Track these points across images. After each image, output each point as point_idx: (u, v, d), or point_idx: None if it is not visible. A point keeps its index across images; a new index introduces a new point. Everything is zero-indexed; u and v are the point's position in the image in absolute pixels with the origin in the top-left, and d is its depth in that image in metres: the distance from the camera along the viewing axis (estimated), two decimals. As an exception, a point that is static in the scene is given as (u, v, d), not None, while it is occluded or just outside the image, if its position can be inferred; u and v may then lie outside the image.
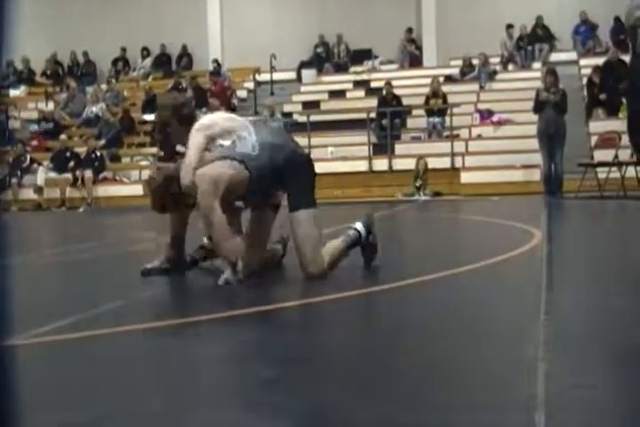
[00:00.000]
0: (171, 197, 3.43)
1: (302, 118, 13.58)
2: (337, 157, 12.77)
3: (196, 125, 3.45)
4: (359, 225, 3.56)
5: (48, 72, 18.33)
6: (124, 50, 18.23)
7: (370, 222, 3.60)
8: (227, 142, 3.35)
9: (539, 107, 10.28)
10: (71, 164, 13.34)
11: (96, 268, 4.55)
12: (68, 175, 13.23)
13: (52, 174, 13.37)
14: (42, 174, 13.43)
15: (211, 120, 3.51)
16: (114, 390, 1.81)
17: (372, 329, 2.48)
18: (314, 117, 13.43)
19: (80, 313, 2.77)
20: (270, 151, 3.33)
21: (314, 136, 12.92)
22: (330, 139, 13.25)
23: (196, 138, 3.39)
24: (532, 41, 15.77)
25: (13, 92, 17.91)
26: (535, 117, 10.50)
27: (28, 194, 13.44)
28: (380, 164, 12.49)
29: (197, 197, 3.17)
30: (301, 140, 13.09)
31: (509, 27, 15.72)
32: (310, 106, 14.75)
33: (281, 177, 3.36)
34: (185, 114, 3.68)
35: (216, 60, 16.95)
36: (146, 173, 13.52)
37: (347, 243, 3.46)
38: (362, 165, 12.51)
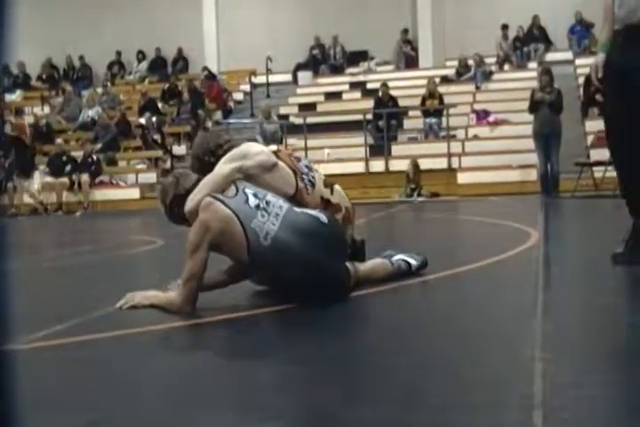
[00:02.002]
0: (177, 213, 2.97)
1: (299, 120, 13.59)
2: (333, 158, 12.78)
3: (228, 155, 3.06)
4: (414, 263, 3.31)
5: (44, 76, 18.32)
6: (119, 53, 18.23)
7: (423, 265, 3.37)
8: (253, 202, 2.80)
9: (534, 107, 10.30)
10: (68, 168, 13.33)
11: (93, 272, 4.54)
12: (65, 179, 13.22)
13: (49, 179, 13.36)
14: (38, 179, 13.42)
15: (248, 148, 3.10)
16: (112, 394, 1.81)
17: (370, 329, 2.48)
18: (310, 119, 13.44)
19: (77, 317, 2.77)
20: (282, 260, 2.71)
21: (310, 138, 12.93)
22: (326, 140, 13.26)
23: (224, 168, 2.98)
24: (528, 41, 15.80)
25: (9, 97, 17.90)
26: (530, 117, 10.52)
27: (25, 198, 13.42)
28: (377, 165, 12.50)
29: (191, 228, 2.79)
30: (298, 143, 13.17)
31: (505, 27, 15.76)
32: (306, 108, 14.76)
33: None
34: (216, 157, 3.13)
35: (206, 68, 16.79)
36: (145, 177, 13.54)
37: (393, 272, 3.22)
38: (358, 167, 12.52)
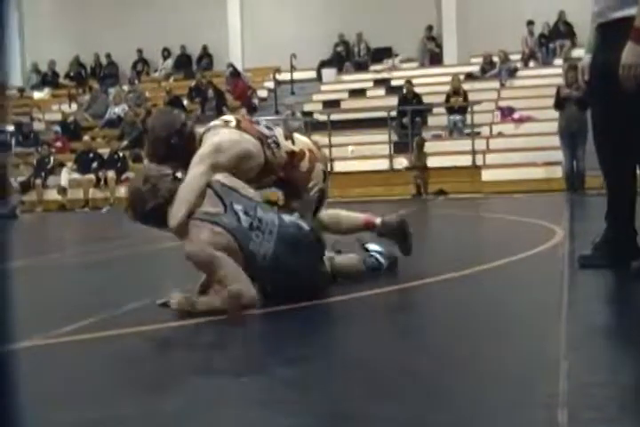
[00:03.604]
0: (148, 209, 2.78)
1: (323, 117, 13.59)
2: (357, 155, 12.77)
3: (201, 151, 2.90)
4: (383, 260, 3.37)
5: (71, 74, 18.50)
6: (140, 51, 18.34)
7: (393, 263, 3.43)
8: (245, 221, 2.72)
9: (560, 103, 10.22)
10: (94, 164, 13.46)
11: (118, 268, 4.59)
12: (92, 176, 13.34)
13: (76, 175, 13.50)
14: (65, 175, 13.56)
15: (220, 142, 2.92)
16: (134, 389, 1.84)
17: (392, 328, 2.49)
18: (334, 116, 13.44)
19: (102, 313, 2.80)
20: (284, 277, 2.75)
21: (334, 135, 12.93)
22: (350, 138, 13.24)
23: (196, 169, 2.82)
24: (554, 37, 15.66)
25: (37, 95, 18.10)
26: (556, 114, 10.42)
27: (52, 195, 13.58)
28: (401, 162, 12.46)
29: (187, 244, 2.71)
30: (322, 140, 13.17)
31: (530, 23, 15.63)
32: (331, 105, 14.75)
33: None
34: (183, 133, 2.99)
35: (232, 64, 16.89)
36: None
37: (363, 268, 3.29)
38: (383, 164, 12.50)
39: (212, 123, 3.13)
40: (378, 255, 3.37)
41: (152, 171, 2.84)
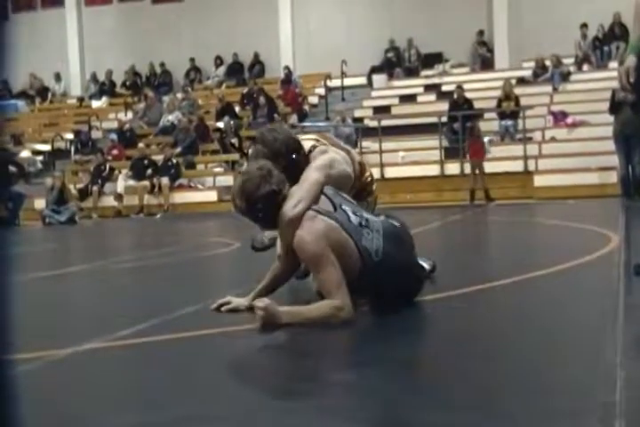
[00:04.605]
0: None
1: (373, 123, 13.60)
2: (408, 161, 12.75)
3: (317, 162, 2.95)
4: (427, 267, 3.40)
5: (127, 83, 18.90)
6: (192, 60, 18.64)
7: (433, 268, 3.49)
8: (355, 219, 2.74)
9: (615, 107, 10.05)
10: (149, 171, 13.70)
11: (173, 272, 4.68)
12: (146, 182, 13.59)
13: (131, 182, 13.77)
14: (121, 182, 13.84)
15: (330, 159, 3.00)
16: (191, 393, 1.87)
17: (446, 333, 2.50)
18: (385, 122, 13.44)
19: (158, 317, 2.86)
20: (393, 272, 2.74)
21: (385, 141, 12.94)
22: (401, 143, 13.23)
23: (315, 175, 2.85)
24: (609, 40, 15.39)
25: (96, 104, 18.54)
26: (611, 118, 10.25)
27: (109, 201, 13.88)
28: (452, 168, 12.41)
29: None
30: (372, 146, 13.19)
31: (583, 26, 15.39)
32: (381, 111, 14.76)
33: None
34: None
35: (287, 68, 17.17)
36: (222, 180, 13.80)
37: None
38: (433, 170, 12.45)
39: (308, 143, 3.11)
40: (421, 261, 3.36)
41: (267, 162, 2.79)
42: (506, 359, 2.08)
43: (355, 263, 2.66)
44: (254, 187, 2.66)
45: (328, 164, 2.97)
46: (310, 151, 3.05)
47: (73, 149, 16.20)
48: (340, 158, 3.12)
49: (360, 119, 14.49)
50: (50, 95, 19.70)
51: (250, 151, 3.09)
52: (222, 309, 2.89)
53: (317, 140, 3.15)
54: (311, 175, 2.83)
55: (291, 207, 2.67)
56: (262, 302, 2.55)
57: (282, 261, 2.91)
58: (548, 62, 14.84)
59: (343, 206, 2.77)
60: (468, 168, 12.24)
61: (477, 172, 11.34)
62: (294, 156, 2.95)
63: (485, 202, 11.06)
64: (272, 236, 3.66)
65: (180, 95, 17.06)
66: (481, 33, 16.46)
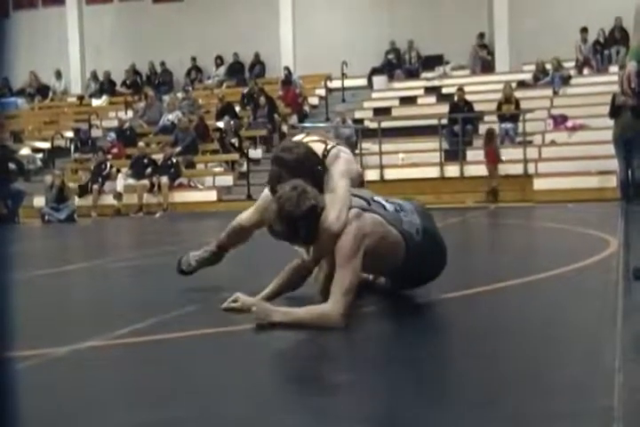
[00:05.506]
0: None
1: (373, 125, 13.61)
2: (408, 163, 12.76)
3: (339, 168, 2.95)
4: None
5: (128, 82, 18.90)
6: (194, 59, 18.65)
7: None
8: (390, 207, 2.89)
9: (615, 111, 10.06)
10: (148, 170, 13.70)
11: (172, 272, 4.67)
12: (146, 181, 13.59)
13: (131, 181, 13.76)
14: (121, 181, 13.84)
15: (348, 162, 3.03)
16: (190, 392, 1.88)
17: (447, 335, 2.51)
18: (385, 124, 13.44)
19: (157, 316, 2.87)
20: (435, 244, 2.98)
21: (385, 142, 12.94)
22: (401, 145, 13.24)
23: (343, 182, 2.87)
24: (610, 44, 15.41)
25: (96, 102, 18.54)
26: (611, 122, 10.26)
27: (108, 200, 13.87)
28: (452, 170, 12.42)
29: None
30: (372, 147, 13.19)
31: (584, 30, 15.41)
32: (381, 112, 14.77)
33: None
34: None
35: (287, 68, 17.17)
36: (222, 180, 13.81)
37: None
38: (433, 172, 12.46)
39: (318, 147, 3.06)
40: None
41: (297, 181, 2.76)
42: (505, 362, 2.08)
43: (400, 250, 2.81)
44: (294, 207, 2.65)
45: (347, 169, 2.96)
46: (325, 156, 3.00)
47: (73, 147, 16.19)
48: (351, 157, 3.13)
49: (360, 120, 14.49)
50: (50, 93, 19.69)
51: (270, 174, 3.00)
52: (230, 306, 2.85)
53: (325, 142, 3.10)
54: (340, 184, 2.84)
55: (334, 219, 2.67)
56: (256, 300, 2.63)
57: (305, 268, 2.91)
58: (548, 66, 14.86)
59: (375, 198, 2.90)
60: (467, 171, 12.26)
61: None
62: (317, 168, 2.92)
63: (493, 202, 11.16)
64: (199, 257, 3.70)
65: (180, 95, 17.06)
66: (481, 35, 16.47)
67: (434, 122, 12.95)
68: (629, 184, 9.97)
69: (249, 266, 4.24)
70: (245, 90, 16.46)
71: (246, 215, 3.52)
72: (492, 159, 11.72)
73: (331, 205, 2.71)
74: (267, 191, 3.27)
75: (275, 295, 2.88)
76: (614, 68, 14.75)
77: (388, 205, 2.88)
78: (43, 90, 19.63)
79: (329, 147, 3.06)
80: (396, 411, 1.66)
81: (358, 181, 3.18)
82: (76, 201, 13.45)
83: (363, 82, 16.87)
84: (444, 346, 2.34)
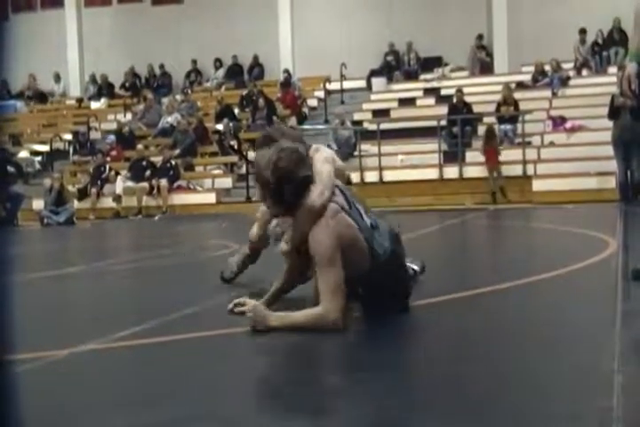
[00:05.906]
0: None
1: (372, 126, 13.62)
2: (407, 164, 12.76)
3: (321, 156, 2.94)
4: (416, 268, 3.42)
5: (126, 84, 18.90)
6: (194, 62, 18.67)
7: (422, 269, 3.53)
8: (367, 220, 2.79)
9: (614, 112, 10.07)
10: (147, 173, 13.69)
11: (170, 275, 4.68)
12: (145, 184, 13.58)
13: (130, 183, 13.76)
14: (120, 183, 13.83)
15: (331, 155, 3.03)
16: (189, 394, 1.88)
17: (445, 337, 2.51)
18: (384, 125, 13.45)
19: (157, 318, 2.87)
20: (397, 268, 2.84)
21: (384, 144, 12.94)
22: (400, 147, 13.25)
23: (327, 166, 2.85)
24: (609, 45, 15.43)
25: (94, 105, 18.54)
26: (610, 123, 10.27)
27: (107, 202, 13.87)
28: (451, 171, 12.42)
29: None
30: (371, 149, 13.20)
31: (582, 32, 15.43)
32: (380, 114, 14.77)
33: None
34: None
35: (287, 71, 17.18)
36: (221, 182, 13.81)
37: None
38: (432, 173, 12.47)
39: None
40: (410, 263, 3.36)
41: (301, 147, 2.77)
42: (504, 363, 2.08)
43: (365, 261, 2.69)
44: (292, 166, 2.64)
45: (331, 157, 2.99)
46: (306, 149, 3.02)
47: (72, 149, 16.19)
48: (333, 154, 3.13)
49: (359, 122, 14.50)
50: (49, 98, 19.67)
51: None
52: (235, 310, 2.84)
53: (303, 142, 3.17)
54: (324, 168, 2.82)
55: (317, 196, 2.66)
56: (251, 305, 2.62)
57: (291, 257, 2.90)
58: (547, 67, 14.87)
59: (356, 205, 2.79)
60: (466, 172, 12.26)
61: (495, 175, 11.65)
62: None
63: (505, 202, 11.29)
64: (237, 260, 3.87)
65: (179, 97, 17.06)
66: (480, 37, 16.49)
67: (433, 123, 12.96)
68: (628, 185, 9.97)
69: (249, 269, 4.23)
70: (244, 92, 16.47)
71: (254, 235, 3.74)
72: (493, 159, 11.70)
73: (315, 185, 2.71)
74: (263, 207, 3.35)
75: (276, 298, 2.88)
76: (613, 70, 14.77)
77: (366, 218, 2.76)
78: (41, 97, 19.59)
79: (308, 145, 3.11)
80: (394, 413, 1.66)
81: (342, 177, 3.16)
82: (75, 204, 13.44)
83: (362, 84, 16.88)
84: (444, 347, 2.34)
